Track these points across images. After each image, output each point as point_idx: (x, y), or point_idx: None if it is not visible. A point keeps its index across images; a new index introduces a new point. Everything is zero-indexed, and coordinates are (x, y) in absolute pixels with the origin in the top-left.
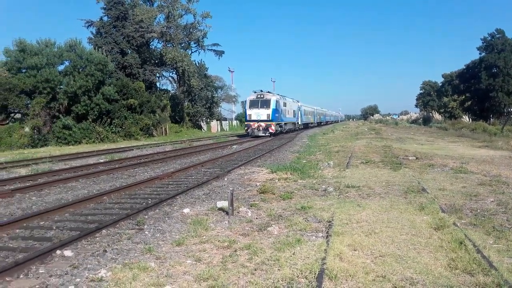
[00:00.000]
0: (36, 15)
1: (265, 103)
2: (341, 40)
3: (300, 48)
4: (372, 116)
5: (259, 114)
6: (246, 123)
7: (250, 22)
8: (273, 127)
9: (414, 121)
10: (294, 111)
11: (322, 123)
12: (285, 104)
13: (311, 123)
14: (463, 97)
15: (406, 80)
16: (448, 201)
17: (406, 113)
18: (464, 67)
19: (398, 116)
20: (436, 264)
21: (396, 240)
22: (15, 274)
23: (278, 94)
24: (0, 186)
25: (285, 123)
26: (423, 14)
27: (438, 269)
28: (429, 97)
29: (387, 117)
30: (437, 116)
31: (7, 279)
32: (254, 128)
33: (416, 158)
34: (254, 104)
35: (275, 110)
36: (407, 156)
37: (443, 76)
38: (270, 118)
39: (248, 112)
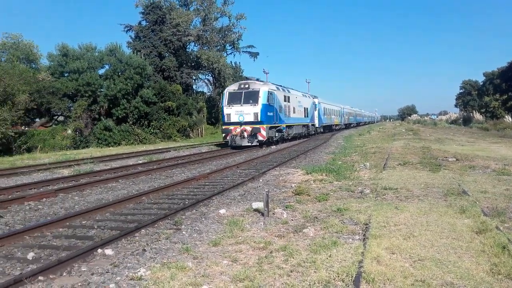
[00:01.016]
0: (78, 21)
1: (251, 97)
2: (378, 40)
3: (336, 49)
4: (410, 116)
5: (242, 112)
6: (223, 127)
7: (286, 23)
8: (263, 132)
9: (454, 122)
10: (306, 109)
11: (352, 125)
12: (287, 99)
13: (336, 124)
14: (506, 96)
15: (445, 79)
16: (490, 204)
17: (445, 113)
18: (507, 65)
19: (437, 117)
20: (478, 269)
21: (435, 244)
22: (58, 272)
23: (275, 84)
24: (44, 186)
25: (288, 126)
26: (463, 12)
27: (480, 274)
28: (470, 96)
29: (425, 118)
30: (478, 116)
31: (51, 276)
32: (236, 135)
33: (456, 160)
34: (234, 98)
35: (267, 107)
36: (446, 157)
37: (484, 74)
38: (259, 119)
39: (226, 110)
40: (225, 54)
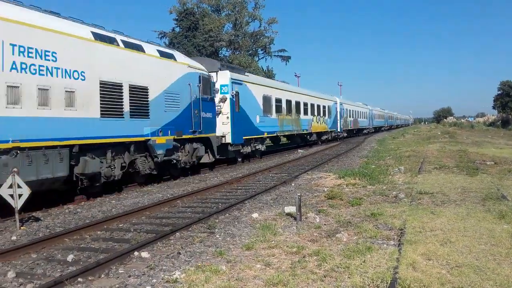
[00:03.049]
0: (116, 28)
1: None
2: (412, 42)
3: (368, 51)
4: (446, 119)
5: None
6: None
7: (317, 25)
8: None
9: (492, 124)
10: (323, 110)
11: (383, 128)
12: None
13: (361, 129)
14: None
15: (482, 80)
16: None
17: (482, 115)
18: None
19: (474, 119)
20: None
21: (473, 250)
22: (96, 274)
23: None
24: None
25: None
26: (499, 12)
27: None
28: (508, 98)
29: (462, 120)
30: None
31: (89, 278)
32: None
33: (495, 163)
34: None
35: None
36: (484, 161)
37: None
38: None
39: None
40: (257, 59)
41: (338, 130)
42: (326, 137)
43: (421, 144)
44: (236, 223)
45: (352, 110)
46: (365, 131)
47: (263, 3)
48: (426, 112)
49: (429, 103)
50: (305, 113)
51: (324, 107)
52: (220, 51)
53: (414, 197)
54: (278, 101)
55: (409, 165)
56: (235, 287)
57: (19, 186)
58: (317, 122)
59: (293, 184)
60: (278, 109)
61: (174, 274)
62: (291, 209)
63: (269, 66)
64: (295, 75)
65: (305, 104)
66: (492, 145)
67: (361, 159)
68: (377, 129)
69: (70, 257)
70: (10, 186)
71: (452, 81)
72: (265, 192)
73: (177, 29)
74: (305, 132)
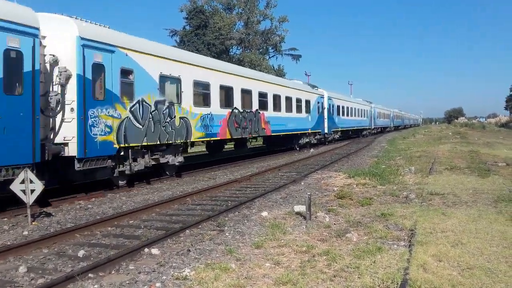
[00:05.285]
0: (127, 25)
1: None
2: (423, 41)
3: (379, 50)
4: (457, 119)
5: None
6: None
7: (328, 25)
8: None
9: (504, 125)
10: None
11: (388, 129)
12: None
13: (360, 129)
14: None
15: (494, 81)
16: None
17: (494, 116)
18: None
19: (486, 119)
20: None
21: (485, 252)
22: (107, 270)
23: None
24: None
25: None
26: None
27: None
28: None
29: (473, 120)
30: None
31: (100, 274)
32: None
33: (507, 165)
34: None
35: None
36: (496, 162)
37: None
38: None
39: None
40: (267, 57)
41: (325, 131)
42: (307, 140)
43: (432, 144)
44: (246, 221)
45: (347, 107)
46: (365, 132)
47: (275, 3)
48: (437, 112)
49: (440, 103)
50: (275, 108)
51: (307, 102)
52: (231, 49)
53: (425, 198)
54: (204, 86)
55: (419, 166)
56: (244, 285)
57: (31, 182)
58: (291, 122)
59: (302, 183)
60: (203, 100)
61: (184, 271)
62: (301, 208)
63: (280, 65)
64: (306, 74)
65: (263, 95)
66: (504, 146)
67: (371, 159)
68: (382, 130)
69: (81, 253)
70: (22, 182)
71: (464, 81)
72: (275, 190)
73: (188, 27)
74: (273, 134)
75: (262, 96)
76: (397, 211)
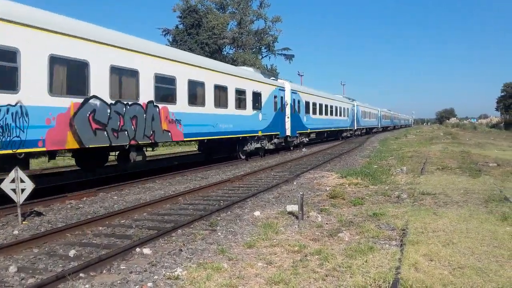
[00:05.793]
0: (118, 25)
1: None
2: (415, 42)
3: (372, 52)
4: (448, 120)
5: None
6: None
7: (322, 26)
8: None
9: (495, 126)
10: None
11: (374, 130)
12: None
13: (337, 131)
14: None
15: (485, 82)
16: None
17: (485, 116)
18: None
19: (477, 120)
20: None
21: (476, 252)
22: (98, 270)
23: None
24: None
25: None
26: (503, 13)
27: None
28: None
29: (465, 121)
30: None
31: (91, 273)
32: None
33: (498, 165)
34: None
35: None
36: (487, 162)
37: None
38: None
39: None
40: (260, 57)
41: (287, 133)
42: (258, 145)
43: (424, 144)
44: (238, 221)
45: (319, 104)
46: (345, 133)
47: (269, 2)
48: (428, 113)
49: (432, 104)
50: (192, 101)
51: (255, 94)
52: (224, 49)
53: (416, 198)
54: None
55: (411, 166)
56: (236, 285)
57: (22, 181)
58: (227, 121)
59: (295, 183)
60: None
61: (176, 271)
62: (293, 207)
63: (273, 65)
64: (298, 74)
65: (165, 80)
66: (495, 147)
67: (363, 159)
68: (367, 131)
69: (72, 253)
70: (13, 181)
71: (455, 82)
72: (267, 190)
73: (181, 27)
74: (188, 139)
75: (164, 81)
76: (389, 211)
